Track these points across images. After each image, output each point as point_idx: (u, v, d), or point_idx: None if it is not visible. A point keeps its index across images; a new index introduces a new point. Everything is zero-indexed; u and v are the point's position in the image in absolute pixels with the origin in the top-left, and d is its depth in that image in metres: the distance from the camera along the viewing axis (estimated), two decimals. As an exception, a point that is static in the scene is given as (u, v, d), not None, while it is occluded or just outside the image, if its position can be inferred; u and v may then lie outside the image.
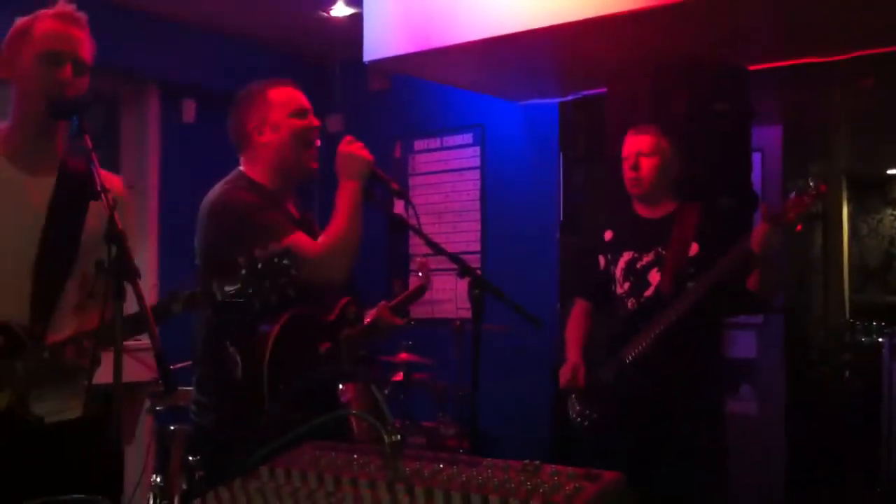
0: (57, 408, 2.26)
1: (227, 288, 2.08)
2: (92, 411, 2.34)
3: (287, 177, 2.72)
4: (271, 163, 2.69)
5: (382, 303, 2.95)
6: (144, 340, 2.06)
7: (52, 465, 2.20)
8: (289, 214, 2.68)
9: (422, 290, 3.27)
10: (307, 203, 2.82)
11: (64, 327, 2.22)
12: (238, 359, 2.52)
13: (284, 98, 2.71)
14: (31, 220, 2.22)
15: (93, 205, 2.22)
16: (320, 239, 2.58)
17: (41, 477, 2.14)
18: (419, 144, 5.70)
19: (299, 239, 2.51)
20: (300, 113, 2.71)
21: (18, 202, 2.23)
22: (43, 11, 2.27)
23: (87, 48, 2.26)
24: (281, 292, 2.10)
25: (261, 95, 2.71)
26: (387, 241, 5.50)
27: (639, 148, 3.35)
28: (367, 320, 2.86)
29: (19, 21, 2.28)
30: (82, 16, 2.28)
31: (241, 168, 2.74)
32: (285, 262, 2.09)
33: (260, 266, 2.07)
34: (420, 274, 3.53)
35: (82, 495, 1.34)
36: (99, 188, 1.96)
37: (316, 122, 2.73)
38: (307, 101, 2.74)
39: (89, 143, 2.06)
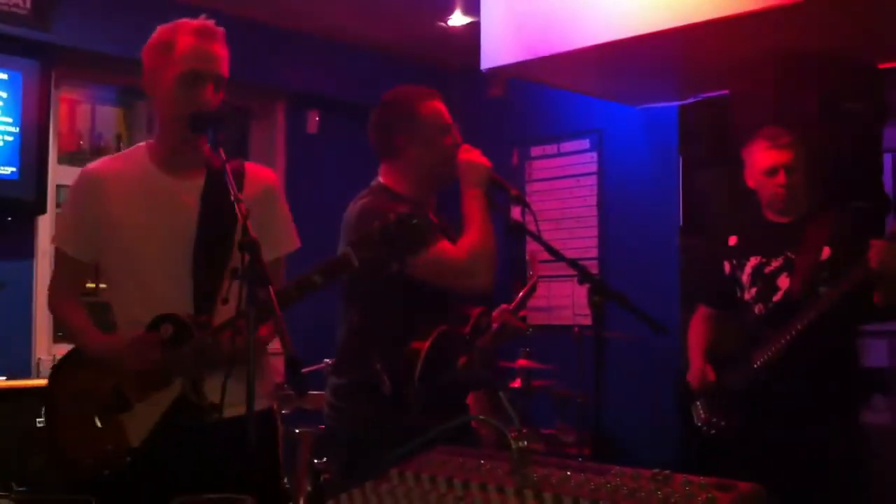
0: (236, 400, 2.20)
1: (364, 253, 2.13)
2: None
3: (429, 188, 2.78)
4: (416, 175, 2.75)
5: (503, 307, 2.96)
6: (275, 345, 2.12)
7: (224, 456, 2.17)
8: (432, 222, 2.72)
9: (533, 287, 3.24)
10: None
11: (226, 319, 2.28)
12: (386, 376, 2.56)
13: (433, 113, 2.75)
14: (185, 219, 2.34)
15: (244, 199, 2.27)
16: (461, 247, 2.61)
17: (212, 470, 2.16)
18: (536, 151, 5.70)
19: (445, 247, 2.56)
20: (446, 129, 2.76)
21: (172, 203, 2.36)
22: (183, 23, 2.33)
23: (225, 64, 2.34)
24: (416, 251, 2.16)
25: (410, 108, 2.74)
26: (506, 247, 5.50)
27: (781, 161, 3.25)
28: (494, 326, 2.87)
29: (160, 31, 2.36)
30: (220, 30, 2.34)
31: (381, 179, 2.79)
32: (415, 221, 2.12)
33: (393, 228, 2.11)
34: (531, 273, 3.50)
35: (228, 494, 1.37)
36: (233, 198, 2.04)
37: (459, 138, 2.77)
38: (449, 114, 2.79)
39: (223, 156, 2.16)
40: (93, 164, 2.48)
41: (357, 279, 2.54)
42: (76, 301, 2.47)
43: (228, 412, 2.17)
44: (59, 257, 2.50)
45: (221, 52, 2.33)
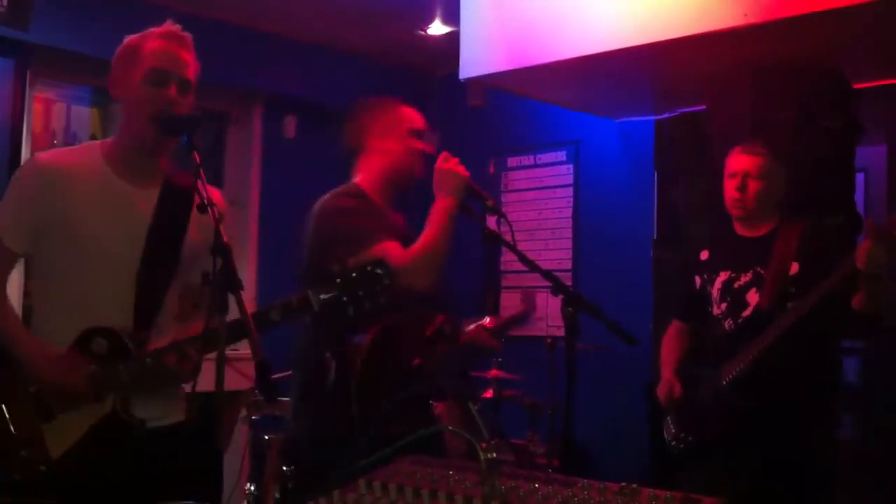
0: (159, 413, 2.32)
1: (323, 296, 2.14)
2: (194, 418, 2.41)
3: (393, 187, 2.87)
4: (382, 172, 2.84)
5: (481, 323, 2.99)
6: (244, 350, 2.12)
7: (153, 469, 2.26)
8: (390, 224, 2.74)
9: (524, 316, 3.28)
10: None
11: (165, 336, 2.28)
12: (333, 366, 2.58)
13: (412, 116, 2.88)
14: (136, 229, 2.30)
15: (194, 218, 2.29)
16: (409, 249, 2.64)
17: (143, 480, 2.21)
18: (513, 161, 5.71)
19: (388, 248, 2.59)
20: (421, 133, 2.87)
21: (124, 211, 2.31)
22: (150, 30, 2.34)
23: (191, 69, 2.33)
24: (374, 300, 2.16)
25: (388, 107, 2.89)
26: (481, 257, 5.52)
27: (747, 168, 3.27)
28: (462, 339, 2.89)
29: (128, 39, 2.36)
30: (187, 35, 2.35)
31: (355, 179, 2.88)
32: (378, 270, 2.15)
33: (354, 274, 2.14)
34: (523, 301, 3.53)
35: (188, 502, 1.37)
36: (206, 202, 2.02)
37: (431, 146, 2.87)
38: (425, 123, 2.90)
39: (198, 159, 2.12)
40: (45, 155, 2.38)
41: (308, 279, 2.57)
42: (3, 294, 2.34)
43: (153, 423, 2.25)
44: None
45: (187, 56, 2.33)
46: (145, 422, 2.24)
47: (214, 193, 2.45)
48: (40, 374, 2.21)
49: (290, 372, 2.81)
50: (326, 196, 2.80)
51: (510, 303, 5.53)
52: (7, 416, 2.21)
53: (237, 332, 1.98)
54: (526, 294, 3.17)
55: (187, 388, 2.32)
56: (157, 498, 1.62)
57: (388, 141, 2.85)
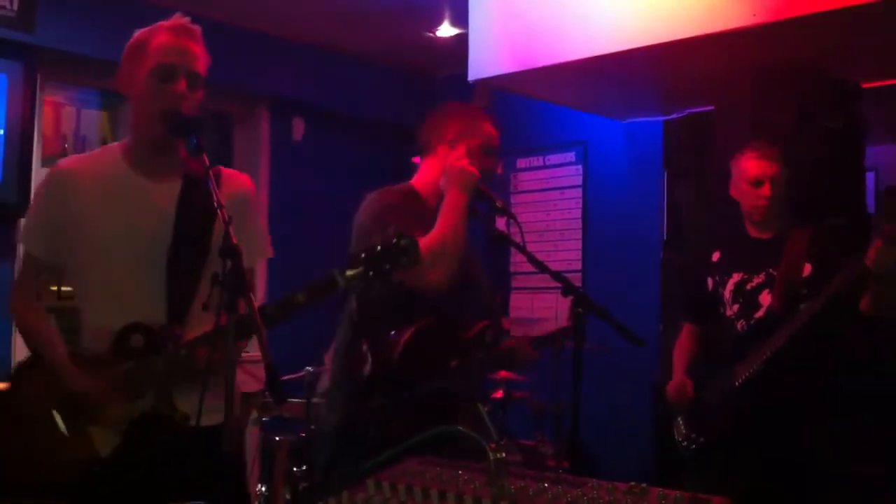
0: (207, 410, 2.30)
1: (348, 273, 2.10)
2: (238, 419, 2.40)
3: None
4: (440, 179, 2.79)
5: (526, 336, 3.00)
6: (254, 352, 2.12)
7: (193, 467, 2.21)
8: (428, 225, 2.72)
9: (566, 331, 3.21)
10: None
11: (200, 328, 2.23)
12: (369, 358, 2.58)
13: (486, 131, 2.86)
14: (159, 223, 2.28)
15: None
16: (423, 243, 2.63)
17: (185, 478, 2.18)
18: (521, 163, 5.72)
19: None
20: (495, 152, 2.86)
21: (147, 206, 2.30)
22: (159, 24, 2.31)
23: (201, 62, 2.30)
24: (400, 275, 2.16)
25: (467, 117, 2.86)
26: (488, 258, 5.51)
27: (767, 174, 3.25)
28: (503, 347, 2.89)
29: (136, 34, 2.33)
30: (196, 28, 2.31)
31: (413, 179, 2.88)
32: (402, 242, 2.10)
33: (378, 248, 2.11)
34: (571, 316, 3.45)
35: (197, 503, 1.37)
36: (216, 204, 2.00)
37: (499, 170, 2.90)
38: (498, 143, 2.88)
39: (206, 161, 2.11)
40: (64, 162, 2.41)
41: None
42: (40, 306, 2.38)
43: (202, 421, 2.15)
44: (26, 258, 2.42)
45: (196, 48, 2.29)
46: (189, 416, 2.20)
47: (243, 179, 2.46)
48: (71, 386, 2.22)
49: (300, 373, 2.83)
50: (376, 191, 2.78)
51: (520, 304, 5.54)
52: (60, 422, 2.23)
53: (250, 325, 1.93)
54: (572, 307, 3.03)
55: (258, 385, 2.33)
56: (194, 497, 1.62)
57: (455, 151, 2.81)
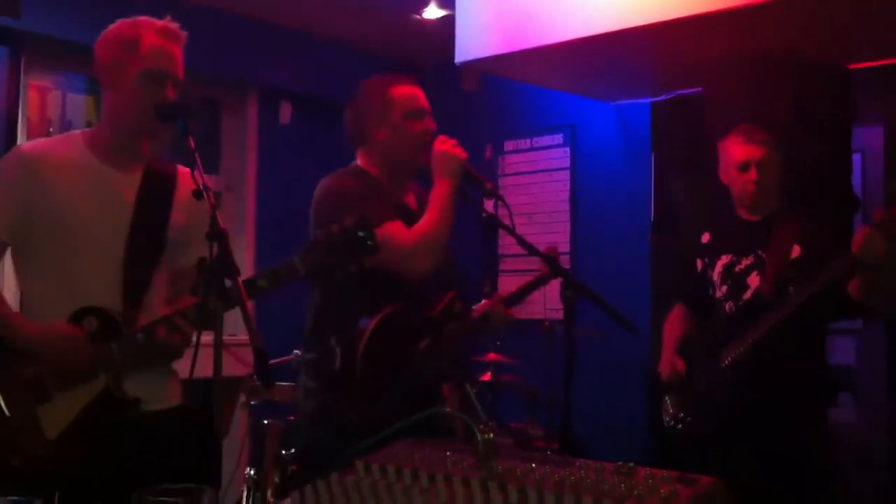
0: (153, 394, 2.35)
1: (309, 259, 2.16)
2: (191, 404, 2.43)
3: (400, 172, 2.82)
4: (385, 160, 2.79)
5: (496, 294, 2.98)
6: (242, 336, 2.12)
7: (149, 452, 2.27)
8: (399, 206, 2.73)
9: (545, 277, 3.14)
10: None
11: (154, 318, 2.28)
12: (338, 350, 2.59)
13: (404, 97, 2.78)
14: (120, 212, 2.34)
15: (179, 201, 2.37)
16: (413, 231, 2.63)
17: (139, 464, 2.21)
18: (509, 145, 5.70)
19: (392, 228, 2.59)
20: (418, 114, 2.79)
21: (108, 194, 2.35)
22: (146, 22, 2.36)
23: (181, 65, 2.39)
24: (359, 264, 2.18)
25: (382, 92, 2.79)
26: (478, 241, 5.51)
27: (756, 158, 3.26)
28: (476, 313, 2.88)
29: (122, 26, 2.37)
30: (184, 34, 2.39)
31: (357, 161, 2.84)
32: (360, 233, 2.16)
33: (337, 238, 2.15)
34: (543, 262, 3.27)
35: (186, 485, 1.37)
36: (202, 188, 2.01)
37: (432, 124, 2.81)
38: (426, 100, 2.82)
39: (192, 145, 2.13)
40: (28, 145, 2.47)
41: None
42: None
43: (150, 406, 2.28)
44: None
45: (180, 54, 2.38)
46: (140, 400, 2.27)
47: (187, 174, 2.40)
48: (46, 352, 2.22)
49: (288, 357, 2.82)
50: (328, 177, 2.76)
51: (509, 287, 5.52)
52: (2, 403, 2.22)
53: (228, 300, 1.94)
54: (550, 250, 2.88)
55: (185, 373, 2.34)
56: (155, 481, 1.63)
57: (382, 130, 2.77)
